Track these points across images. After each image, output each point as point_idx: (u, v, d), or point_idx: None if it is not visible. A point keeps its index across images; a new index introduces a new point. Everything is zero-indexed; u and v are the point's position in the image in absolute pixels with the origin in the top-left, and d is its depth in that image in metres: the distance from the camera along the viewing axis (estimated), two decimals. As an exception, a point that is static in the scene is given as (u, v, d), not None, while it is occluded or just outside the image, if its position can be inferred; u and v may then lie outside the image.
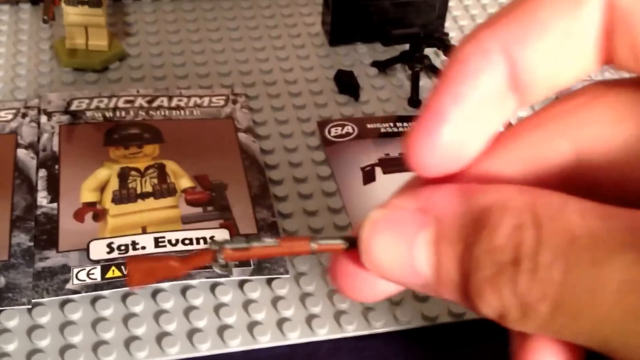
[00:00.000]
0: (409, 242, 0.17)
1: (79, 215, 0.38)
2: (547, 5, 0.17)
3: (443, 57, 0.51)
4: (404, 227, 0.17)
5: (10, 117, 0.43)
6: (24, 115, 0.44)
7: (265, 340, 0.34)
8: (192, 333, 0.34)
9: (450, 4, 0.54)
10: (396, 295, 0.36)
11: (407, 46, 0.50)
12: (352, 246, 0.18)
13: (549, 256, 0.16)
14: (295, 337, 0.34)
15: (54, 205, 0.39)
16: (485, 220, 0.16)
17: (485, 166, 0.19)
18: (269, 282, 0.36)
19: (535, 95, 0.18)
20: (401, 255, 0.17)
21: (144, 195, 0.40)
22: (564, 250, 0.16)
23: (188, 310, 0.34)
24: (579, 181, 0.19)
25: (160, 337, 0.33)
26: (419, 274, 0.17)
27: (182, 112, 0.45)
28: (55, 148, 0.42)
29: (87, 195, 0.39)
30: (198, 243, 0.37)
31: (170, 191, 0.40)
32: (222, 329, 0.34)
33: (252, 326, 0.34)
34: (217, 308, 0.35)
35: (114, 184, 0.40)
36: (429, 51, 0.50)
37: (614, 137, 0.18)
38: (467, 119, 0.18)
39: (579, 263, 0.15)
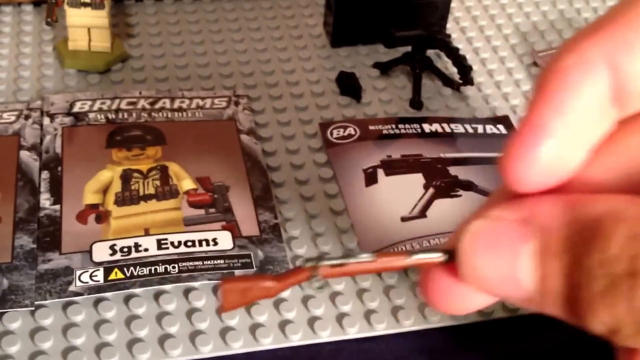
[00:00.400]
0: (513, 254, 0.17)
1: (81, 217, 0.38)
2: None
3: (445, 59, 0.51)
4: (506, 239, 0.17)
5: (13, 118, 0.43)
6: (27, 117, 0.44)
7: (268, 342, 0.34)
8: (194, 335, 0.34)
9: (452, 5, 0.54)
10: (402, 298, 0.36)
11: (409, 48, 0.50)
12: (451, 259, 0.18)
13: None
14: (297, 339, 0.34)
15: (57, 207, 0.39)
16: (596, 230, 0.16)
17: (584, 174, 0.18)
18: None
19: (638, 106, 0.17)
20: (504, 268, 0.17)
21: (147, 197, 0.40)
22: None
23: (190, 312, 0.35)
24: None
25: (163, 339, 0.34)
26: (523, 288, 0.17)
27: (185, 113, 0.45)
28: (58, 150, 0.42)
29: (90, 197, 0.39)
30: (200, 245, 0.37)
31: (173, 193, 0.40)
32: (224, 331, 0.34)
33: (254, 328, 0.34)
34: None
35: (117, 186, 0.40)
36: (430, 53, 0.50)
37: None
38: (569, 133, 0.17)
39: None
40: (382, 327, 0.35)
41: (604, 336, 0.16)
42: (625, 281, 0.15)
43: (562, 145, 0.17)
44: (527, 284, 0.17)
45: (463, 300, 0.18)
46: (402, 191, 0.41)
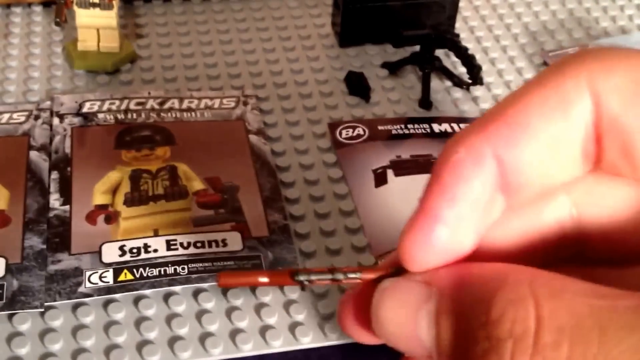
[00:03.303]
0: (413, 312, 0.18)
1: (91, 218, 0.38)
2: (536, 109, 0.18)
3: (454, 59, 0.51)
4: (409, 297, 0.18)
5: (23, 119, 0.44)
6: (37, 118, 0.44)
7: (278, 344, 0.34)
8: (204, 337, 0.34)
9: (461, 4, 0.53)
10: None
11: (417, 47, 0.50)
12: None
13: (551, 336, 0.15)
14: (307, 341, 0.34)
15: (66, 207, 0.39)
16: (481, 294, 0.17)
17: (485, 241, 0.19)
18: (281, 285, 0.36)
19: (524, 196, 0.19)
20: (406, 325, 0.18)
21: (156, 198, 0.40)
22: (568, 330, 0.15)
23: (200, 314, 0.35)
24: (572, 241, 0.19)
25: (173, 341, 0.33)
26: (423, 345, 0.18)
27: (193, 114, 0.45)
28: (68, 150, 0.42)
29: (99, 197, 0.39)
30: (210, 246, 0.37)
31: (182, 193, 0.40)
32: (234, 333, 0.34)
33: (264, 330, 0.34)
34: (229, 312, 0.35)
35: (126, 186, 0.40)
36: (439, 52, 0.50)
37: (616, 198, 0.19)
38: (460, 220, 0.18)
39: (585, 344, 0.15)
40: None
41: None
42: (505, 344, 0.16)
43: (454, 232, 0.18)
44: (425, 342, 0.18)
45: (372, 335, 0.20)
46: (412, 192, 0.41)
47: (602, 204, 0.19)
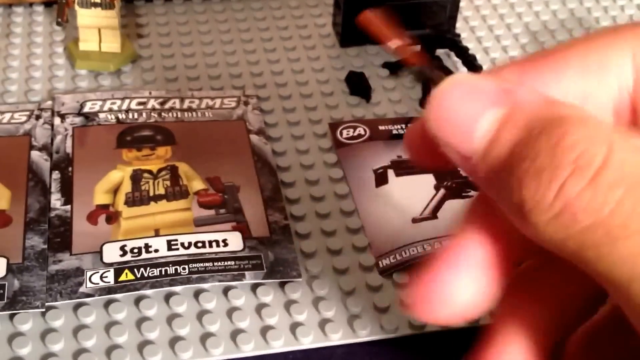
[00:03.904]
0: (480, 110, 0.18)
1: (92, 218, 0.38)
2: (575, 62, 0.19)
3: (455, 58, 0.51)
4: (482, 95, 0.18)
5: (24, 118, 0.44)
6: (38, 117, 0.44)
7: (279, 345, 0.34)
8: (205, 337, 0.34)
9: (461, 4, 0.53)
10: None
11: (418, 47, 0.50)
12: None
13: (612, 177, 0.16)
14: (308, 341, 0.34)
15: (68, 207, 0.39)
16: (562, 122, 0.17)
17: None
18: (282, 285, 0.36)
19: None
20: (467, 117, 0.18)
21: (157, 198, 0.40)
22: (630, 179, 0.16)
23: (201, 315, 0.35)
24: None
25: (173, 341, 0.34)
26: (472, 142, 0.18)
27: (194, 113, 0.45)
28: (69, 150, 0.42)
29: (100, 197, 0.39)
30: (210, 246, 0.37)
31: (183, 193, 0.40)
32: (235, 333, 0.34)
33: (265, 330, 0.34)
34: (230, 312, 0.35)
35: (127, 186, 0.40)
36: (440, 52, 0.50)
37: None
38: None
39: (638, 198, 0.16)
40: (391, 330, 0.35)
41: (514, 215, 0.17)
42: (568, 167, 0.16)
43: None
44: (477, 141, 0.18)
45: (444, 304, 0.20)
46: (413, 192, 0.41)
47: None
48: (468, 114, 0.18)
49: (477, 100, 0.18)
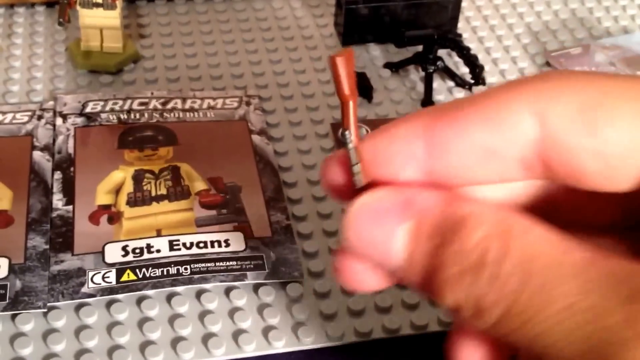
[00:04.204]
0: (390, 230, 0.19)
1: (94, 218, 0.38)
2: (476, 118, 0.20)
3: (456, 59, 0.51)
4: (389, 214, 0.19)
5: (26, 119, 0.44)
6: (40, 118, 0.44)
7: (280, 345, 0.34)
8: (207, 338, 0.34)
9: (463, 4, 0.53)
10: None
11: (420, 47, 0.50)
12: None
13: (510, 267, 0.17)
14: (310, 342, 0.34)
15: (70, 207, 0.39)
16: (462, 225, 0.18)
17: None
18: (284, 285, 0.36)
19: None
20: (381, 240, 0.19)
21: (159, 198, 0.40)
22: (524, 265, 0.17)
23: (203, 315, 0.35)
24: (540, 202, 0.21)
25: (175, 341, 0.34)
26: (393, 258, 0.19)
27: (196, 114, 0.45)
28: (71, 150, 0.42)
29: (102, 197, 0.40)
30: (212, 246, 0.37)
31: (185, 194, 0.40)
32: (237, 334, 0.34)
33: (267, 331, 0.34)
34: (232, 312, 0.35)
35: (129, 187, 0.40)
36: (442, 52, 0.50)
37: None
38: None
39: (534, 280, 0.17)
40: (395, 329, 0.35)
41: (451, 312, 0.19)
42: (472, 270, 0.18)
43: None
44: (397, 256, 0.19)
45: (366, 278, 0.21)
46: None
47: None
48: (380, 236, 0.19)
49: (385, 220, 0.19)
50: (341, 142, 0.21)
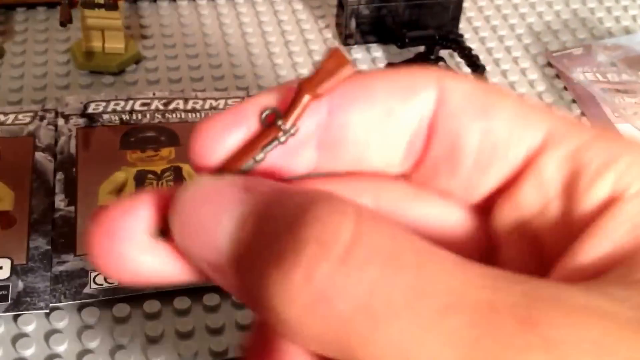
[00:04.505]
0: (220, 212, 0.16)
1: (96, 219, 0.38)
2: (382, 85, 0.18)
3: (458, 59, 0.51)
4: (223, 197, 0.16)
5: (28, 120, 0.44)
6: (42, 118, 0.44)
7: None
8: (210, 336, 0.34)
9: (465, 5, 0.53)
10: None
11: (421, 48, 0.50)
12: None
13: (364, 253, 0.14)
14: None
15: (72, 208, 0.39)
16: (301, 202, 0.15)
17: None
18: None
19: (334, 162, 0.18)
20: (208, 222, 0.16)
21: (161, 199, 0.40)
22: (386, 254, 0.14)
23: (205, 314, 0.35)
24: None
25: (178, 341, 0.34)
26: (216, 247, 0.16)
27: (198, 114, 0.45)
28: (73, 151, 0.42)
29: (105, 198, 0.40)
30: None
31: (187, 195, 0.40)
32: (241, 331, 0.34)
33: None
34: (235, 310, 0.35)
35: (131, 187, 0.40)
36: (443, 53, 0.50)
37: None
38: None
39: (398, 271, 0.14)
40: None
41: (268, 318, 0.15)
42: (305, 247, 0.14)
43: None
44: (221, 244, 0.16)
45: (134, 261, 0.16)
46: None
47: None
48: (208, 219, 0.16)
49: (218, 203, 0.16)
50: (264, 123, 0.18)
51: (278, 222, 0.15)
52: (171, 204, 0.16)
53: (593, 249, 0.15)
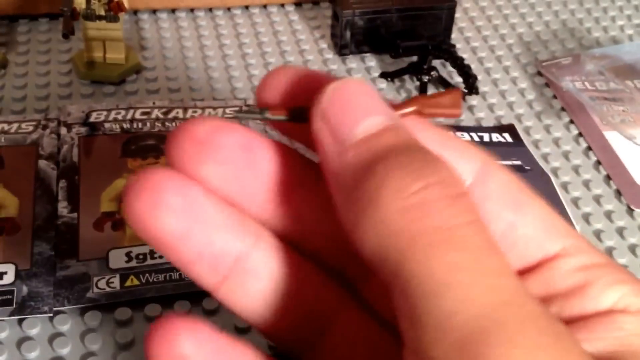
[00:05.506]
0: (374, 110, 0.18)
1: (98, 225, 0.39)
2: None
3: (450, 68, 0.52)
4: (380, 103, 0.18)
5: (31, 128, 0.45)
6: (45, 127, 0.45)
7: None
8: (208, 340, 0.35)
9: (457, 15, 0.55)
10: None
11: (415, 57, 0.51)
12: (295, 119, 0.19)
13: (469, 206, 0.16)
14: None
15: (74, 215, 0.40)
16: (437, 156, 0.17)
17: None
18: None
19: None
20: (361, 108, 0.18)
21: (161, 206, 0.41)
22: (476, 215, 0.16)
23: (205, 318, 0.36)
24: None
25: (178, 344, 0.35)
26: (354, 128, 0.17)
27: (197, 123, 0.46)
28: (75, 159, 0.43)
29: (107, 205, 0.41)
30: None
31: (186, 201, 0.41)
32: (240, 335, 0.35)
33: (266, 333, 0.35)
34: (235, 315, 0.36)
35: (132, 195, 0.41)
36: (436, 62, 0.51)
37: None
38: None
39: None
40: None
41: (354, 204, 0.17)
42: (419, 172, 0.16)
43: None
44: (360, 129, 0.17)
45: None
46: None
47: None
48: (364, 106, 0.17)
49: (375, 103, 0.18)
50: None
51: (416, 151, 0.17)
52: (328, 84, 0.18)
53: (586, 344, 0.17)
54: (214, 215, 0.18)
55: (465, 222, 0.16)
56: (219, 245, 0.18)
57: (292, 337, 0.20)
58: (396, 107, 0.19)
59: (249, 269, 0.19)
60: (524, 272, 0.19)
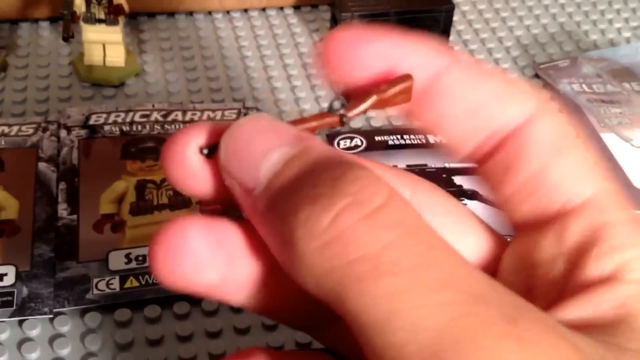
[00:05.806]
0: (271, 147, 0.17)
1: (98, 227, 0.40)
2: None
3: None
4: (277, 135, 0.17)
5: (31, 131, 0.45)
6: (45, 130, 0.45)
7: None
8: (210, 341, 0.35)
9: (455, 18, 0.55)
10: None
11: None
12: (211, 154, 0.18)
13: (389, 218, 0.15)
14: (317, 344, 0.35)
15: (74, 216, 0.40)
16: (347, 164, 0.16)
17: None
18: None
19: None
20: (257, 151, 0.17)
21: (161, 207, 0.41)
22: (406, 226, 0.15)
23: (205, 319, 0.36)
24: None
25: (179, 345, 0.35)
26: (257, 174, 0.17)
27: (196, 125, 0.46)
28: (75, 161, 0.43)
29: (106, 207, 0.41)
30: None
31: (186, 203, 0.41)
32: (240, 336, 0.35)
33: (269, 332, 0.35)
34: (234, 315, 0.36)
35: (132, 196, 0.41)
36: (434, 65, 0.52)
37: None
38: None
39: (411, 243, 0.15)
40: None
41: (282, 245, 0.16)
42: (339, 199, 0.15)
43: None
44: (262, 173, 0.17)
45: (196, 267, 0.18)
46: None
47: None
48: (259, 148, 0.17)
49: (271, 138, 0.17)
50: (329, 109, 0.19)
51: (322, 172, 0.16)
52: (228, 128, 0.18)
53: (576, 310, 0.17)
54: None
55: (390, 241, 0.15)
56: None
57: (300, 322, 0.20)
58: (353, 104, 0.18)
59: None
60: (541, 221, 0.19)
